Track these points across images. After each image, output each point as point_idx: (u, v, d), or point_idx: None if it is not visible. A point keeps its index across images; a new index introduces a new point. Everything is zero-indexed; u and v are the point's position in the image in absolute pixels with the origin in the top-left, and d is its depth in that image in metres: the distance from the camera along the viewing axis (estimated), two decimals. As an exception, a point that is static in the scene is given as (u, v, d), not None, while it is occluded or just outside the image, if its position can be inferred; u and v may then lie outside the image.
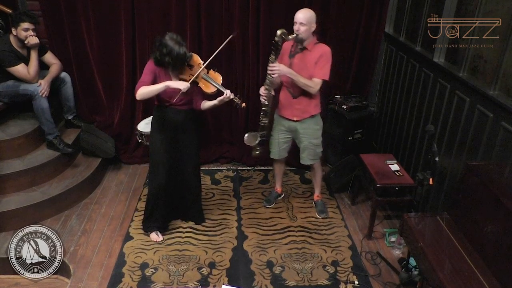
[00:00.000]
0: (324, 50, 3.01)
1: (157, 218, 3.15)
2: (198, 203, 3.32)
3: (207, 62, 2.81)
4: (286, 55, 3.11)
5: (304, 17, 2.90)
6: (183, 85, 2.69)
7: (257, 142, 3.25)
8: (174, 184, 3.10)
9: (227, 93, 2.81)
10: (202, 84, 2.85)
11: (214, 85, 2.84)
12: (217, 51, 2.83)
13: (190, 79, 2.77)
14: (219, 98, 2.85)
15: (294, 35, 2.92)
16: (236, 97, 2.85)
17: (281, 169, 3.61)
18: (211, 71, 2.89)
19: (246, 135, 3.27)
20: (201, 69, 2.80)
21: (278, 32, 2.86)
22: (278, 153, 3.40)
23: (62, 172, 3.60)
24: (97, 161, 3.82)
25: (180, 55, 2.69)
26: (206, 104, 2.95)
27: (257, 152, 3.34)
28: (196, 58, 2.88)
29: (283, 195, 3.75)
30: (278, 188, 3.70)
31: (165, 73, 2.80)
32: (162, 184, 3.03)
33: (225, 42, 2.85)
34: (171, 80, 2.78)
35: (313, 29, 2.97)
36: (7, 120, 3.60)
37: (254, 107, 4.15)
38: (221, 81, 2.87)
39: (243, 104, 2.89)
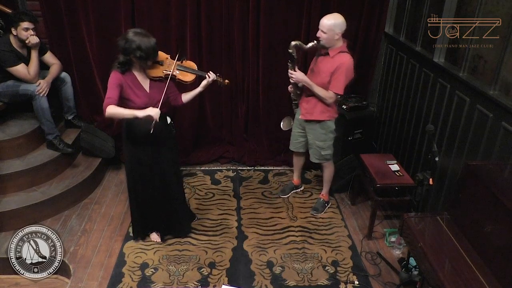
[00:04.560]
0: (342, 62, 2.95)
1: (151, 226, 3.13)
2: (184, 212, 3.17)
3: (177, 54, 2.72)
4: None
5: (326, 24, 2.89)
6: (153, 112, 2.44)
7: (291, 126, 3.49)
8: (159, 197, 2.94)
9: (209, 75, 2.77)
10: (180, 76, 2.75)
11: (193, 73, 2.78)
12: (177, 56, 2.73)
13: (167, 75, 2.67)
14: (203, 83, 2.78)
15: (314, 42, 2.95)
16: (217, 76, 2.85)
17: (299, 161, 3.67)
18: (184, 61, 2.83)
19: (282, 123, 3.49)
20: (175, 61, 2.71)
21: (292, 43, 2.97)
22: (293, 145, 3.51)
23: (62, 172, 3.59)
24: (97, 161, 3.82)
25: (151, 45, 2.50)
26: (188, 96, 2.84)
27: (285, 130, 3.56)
28: (161, 53, 2.76)
29: (302, 187, 3.81)
30: (295, 180, 3.77)
31: (133, 81, 2.59)
32: (149, 200, 2.91)
33: (177, 55, 2.76)
34: (140, 86, 2.61)
35: (336, 37, 2.93)
36: (7, 120, 3.60)
37: (254, 107, 4.16)
38: (197, 67, 2.85)
39: (226, 81, 2.93)
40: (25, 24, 3.26)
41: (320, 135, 3.23)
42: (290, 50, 3.01)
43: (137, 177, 2.86)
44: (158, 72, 2.70)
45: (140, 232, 3.13)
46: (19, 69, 3.35)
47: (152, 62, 2.64)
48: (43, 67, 3.57)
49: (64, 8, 3.74)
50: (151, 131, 2.50)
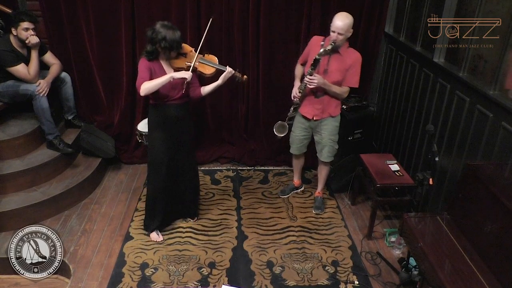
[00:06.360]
0: (356, 58, 3.07)
1: (159, 218, 3.15)
2: (197, 198, 3.38)
3: (199, 46, 2.83)
4: (313, 51, 3.09)
5: (343, 26, 2.89)
6: (187, 74, 2.70)
7: (287, 132, 3.39)
8: (175, 183, 3.10)
9: (228, 69, 2.89)
10: (201, 68, 2.89)
11: (213, 66, 2.90)
12: (204, 36, 2.86)
13: (189, 67, 2.79)
14: (222, 76, 2.90)
15: (331, 43, 2.93)
16: (236, 72, 2.94)
17: (300, 162, 3.69)
18: (206, 55, 2.95)
19: (275, 129, 3.38)
20: (196, 54, 2.84)
21: (322, 50, 2.94)
22: (298, 149, 3.50)
23: (62, 172, 3.59)
24: (97, 161, 3.82)
25: (176, 38, 2.67)
26: (207, 88, 2.97)
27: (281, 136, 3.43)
28: (186, 46, 2.91)
29: (302, 187, 3.82)
30: (296, 181, 3.77)
31: (159, 68, 2.78)
32: (164, 184, 3.03)
33: (208, 26, 2.88)
34: (166, 73, 2.75)
35: (349, 35, 2.98)
36: (7, 120, 3.60)
37: (254, 107, 4.16)
38: (218, 61, 2.95)
39: (245, 77, 3.01)
40: (25, 24, 3.27)
41: (334, 129, 3.28)
42: (318, 57, 2.96)
43: (159, 164, 2.97)
44: (181, 63, 2.85)
45: (153, 224, 3.17)
46: (19, 69, 3.35)
47: (176, 54, 2.79)
48: (43, 67, 3.57)
49: (64, 8, 3.74)
50: (183, 91, 2.80)
